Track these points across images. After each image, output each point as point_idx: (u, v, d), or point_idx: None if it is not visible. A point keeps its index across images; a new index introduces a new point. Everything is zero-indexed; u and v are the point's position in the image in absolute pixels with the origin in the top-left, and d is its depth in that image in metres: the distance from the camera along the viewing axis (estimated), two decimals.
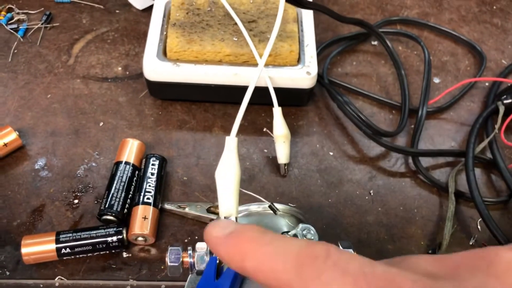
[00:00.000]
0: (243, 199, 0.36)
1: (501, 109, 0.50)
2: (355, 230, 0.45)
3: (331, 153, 0.49)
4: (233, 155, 0.35)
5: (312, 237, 0.34)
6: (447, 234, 0.43)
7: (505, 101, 0.50)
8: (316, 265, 0.21)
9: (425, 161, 0.49)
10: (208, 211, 0.44)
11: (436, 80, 0.56)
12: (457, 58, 0.59)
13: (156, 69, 0.47)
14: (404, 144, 0.50)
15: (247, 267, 0.23)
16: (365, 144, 0.50)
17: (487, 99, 0.55)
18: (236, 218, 0.34)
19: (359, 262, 0.21)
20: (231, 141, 0.35)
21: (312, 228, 0.34)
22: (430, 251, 0.44)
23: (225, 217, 0.34)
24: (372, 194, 0.47)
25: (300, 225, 0.34)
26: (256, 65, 0.47)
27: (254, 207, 0.37)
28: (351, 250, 0.36)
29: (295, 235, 0.33)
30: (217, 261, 0.33)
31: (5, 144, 0.45)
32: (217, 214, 0.43)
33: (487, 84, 0.56)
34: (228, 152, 0.35)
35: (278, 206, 0.37)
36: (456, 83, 0.54)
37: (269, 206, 0.36)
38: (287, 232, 0.34)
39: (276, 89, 0.47)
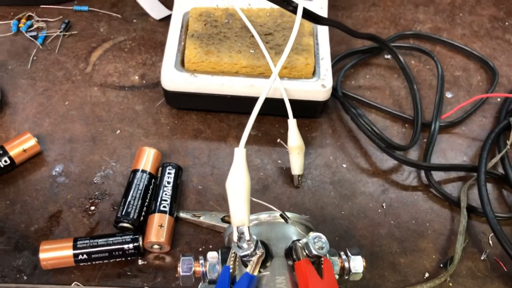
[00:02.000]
0: (255, 208, 0.37)
1: None
2: (368, 243, 0.45)
3: (344, 165, 0.50)
4: (242, 166, 0.35)
5: (323, 245, 0.34)
6: (458, 248, 0.44)
7: None
8: None
9: (437, 175, 0.50)
10: (223, 220, 0.44)
11: (449, 95, 0.56)
12: (469, 73, 0.59)
13: (174, 79, 0.48)
14: (417, 158, 0.51)
15: None
16: (378, 157, 0.51)
17: (499, 115, 0.55)
18: (248, 227, 0.34)
19: None
20: (240, 152, 0.36)
21: (323, 236, 0.34)
22: (441, 265, 0.44)
23: (237, 227, 0.34)
24: (384, 207, 0.47)
25: (312, 234, 0.34)
26: (271, 76, 0.47)
27: (264, 216, 0.37)
28: (359, 257, 0.37)
29: (306, 244, 0.34)
30: (230, 270, 0.34)
31: (24, 150, 0.46)
32: (230, 223, 0.44)
33: (499, 99, 0.57)
34: (237, 163, 0.36)
35: (288, 215, 0.37)
36: (469, 98, 0.55)
37: (280, 215, 0.37)
38: (298, 240, 0.35)
39: (291, 101, 0.48)
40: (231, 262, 0.34)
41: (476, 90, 0.58)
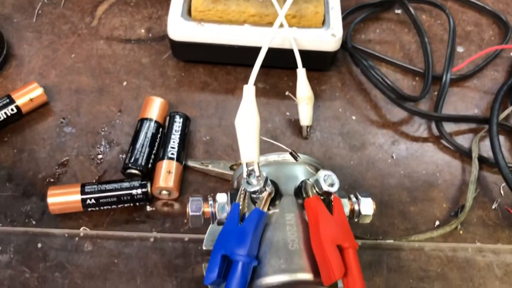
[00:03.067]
0: (263, 150, 0.36)
1: None
2: (377, 192, 0.45)
3: (354, 117, 0.49)
4: (252, 103, 0.35)
5: (334, 182, 0.33)
6: (470, 197, 0.43)
7: None
8: None
9: (448, 127, 0.49)
10: (231, 168, 0.44)
11: (460, 49, 0.55)
12: (481, 28, 0.58)
13: (180, 28, 0.47)
14: (427, 110, 0.50)
15: None
16: (388, 109, 0.50)
17: (511, 69, 0.54)
18: (258, 163, 0.34)
19: None
20: (249, 89, 0.35)
21: (334, 174, 0.34)
22: (452, 214, 0.44)
23: (247, 163, 0.34)
24: (394, 157, 0.47)
25: (322, 171, 0.34)
26: (281, 26, 0.47)
27: (273, 157, 0.37)
28: (369, 199, 0.36)
29: (316, 181, 0.33)
30: (240, 207, 0.34)
31: (31, 99, 0.46)
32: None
33: (511, 54, 0.56)
34: (246, 100, 0.35)
35: (298, 155, 0.37)
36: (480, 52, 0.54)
37: (290, 153, 0.36)
38: (308, 179, 0.34)
39: (300, 52, 0.47)
40: (241, 200, 0.34)
41: (488, 45, 0.56)
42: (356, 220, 0.37)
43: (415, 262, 0.41)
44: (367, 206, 0.36)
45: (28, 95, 0.46)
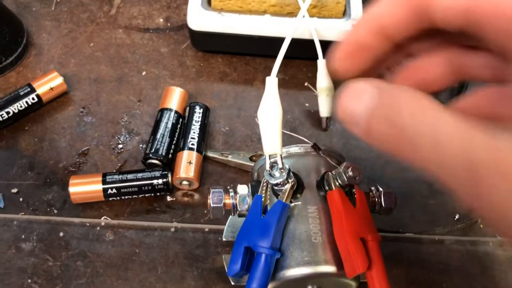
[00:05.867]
0: (284, 142, 0.36)
1: None
2: (397, 185, 0.44)
3: None
4: (275, 95, 0.35)
5: (357, 175, 0.33)
6: None
7: None
8: None
9: None
10: (251, 159, 0.44)
11: None
12: None
13: (200, 18, 0.47)
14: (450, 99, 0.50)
15: None
16: None
17: None
18: (281, 155, 0.34)
19: None
20: (272, 81, 0.35)
21: (357, 165, 0.34)
22: None
23: (270, 155, 0.34)
24: None
25: (345, 163, 0.34)
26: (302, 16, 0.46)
27: (294, 149, 0.37)
28: (391, 192, 0.36)
29: (339, 173, 0.33)
30: (262, 199, 0.34)
31: (51, 88, 0.46)
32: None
33: None
34: (269, 92, 0.35)
35: (320, 147, 0.37)
36: None
37: (312, 146, 0.36)
38: (330, 171, 0.34)
39: (320, 42, 0.46)
40: (263, 192, 0.34)
41: None
42: (377, 213, 0.37)
43: (435, 255, 0.41)
44: (388, 199, 0.36)
45: (48, 84, 0.46)
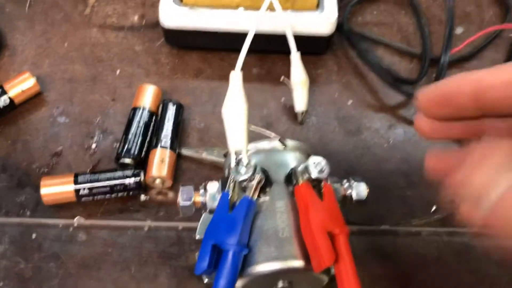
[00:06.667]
0: (253, 137, 0.36)
1: None
2: (374, 177, 0.44)
3: (350, 102, 0.49)
4: (239, 90, 0.34)
5: (324, 168, 0.33)
6: None
7: None
8: None
9: None
10: (225, 156, 0.43)
11: (459, 30, 0.54)
12: (481, 9, 0.57)
13: (172, 14, 0.47)
14: None
15: None
16: (385, 93, 0.49)
17: (511, 49, 0.53)
18: (246, 151, 0.33)
19: None
20: (236, 76, 0.34)
21: (324, 159, 0.33)
22: None
23: (235, 152, 0.33)
24: (391, 142, 0.46)
25: (312, 157, 0.33)
26: (274, 10, 0.46)
27: (263, 144, 0.36)
28: (362, 183, 0.36)
29: (306, 167, 0.33)
30: (229, 196, 0.33)
31: (23, 90, 0.46)
32: None
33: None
34: (233, 87, 0.34)
35: (288, 141, 0.36)
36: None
37: (279, 140, 0.36)
38: (298, 166, 0.34)
39: (295, 35, 0.46)
40: (231, 188, 0.34)
41: (488, 26, 0.55)
42: (349, 205, 0.36)
43: (411, 247, 0.41)
44: (360, 191, 0.36)
45: (20, 86, 0.45)
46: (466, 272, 0.40)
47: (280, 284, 0.33)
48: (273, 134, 0.36)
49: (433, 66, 0.51)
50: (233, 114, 0.33)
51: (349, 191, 0.36)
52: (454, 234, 0.41)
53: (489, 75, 0.25)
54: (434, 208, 0.43)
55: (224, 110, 0.34)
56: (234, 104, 0.33)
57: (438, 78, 0.49)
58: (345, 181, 0.36)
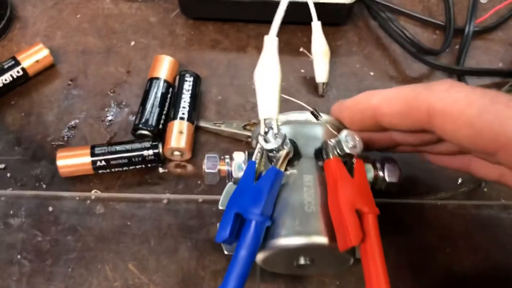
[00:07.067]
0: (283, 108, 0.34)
1: None
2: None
3: (372, 73, 0.47)
4: (274, 55, 0.33)
5: (357, 144, 0.32)
6: None
7: None
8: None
9: (471, 82, 0.47)
10: (244, 128, 0.42)
11: (484, 0, 0.52)
12: None
13: None
14: (449, 64, 0.48)
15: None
16: (407, 64, 0.48)
17: None
18: (276, 120, 0.32)
19: None
20: (271, 41, 0.33)
21: (357, 134, 0.32)
22: None
23: (265, 120, 0.32)
24: None
25: (344, 131, 0.32)
26: None
27: (293, 115, 0.35)
28: (396, 165, 0.35)
29: (338, 142, 0.32)
30: (256, 166, 0.32)
31: (37, 61, 0.44)
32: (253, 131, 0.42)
33: None
34: (268, 52, 0.33)
35: (321, 114, 0.35)
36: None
37: (311, 112, 0.34)
38: (329, 140, 0.33)
39: (315, 4, 0.44)
40: (257, 158, 0.32)
41: None
42: (379, 187, 0.35)
43: (437, 220, 0.40)
44: (392, 174, 0.34)
45: (34, 57, 0.44)
46: (494, 246, 0.39)
47: (302, 261, 0.31)
48: (306, 106, 0.34)
49: (457, 37, 0.49)
50: (266, 79, 0.31)
51: (380, 173, 0.34)
52: (481, 207, 0.40)
53: (386, 103, 0.30)
54: (460, 181, 0.41)
55: (256, 75, 0.32)
56: (268, 68, 0.31)
57: (462, 49, 0.47)
58: (377, 162, 0.35)
